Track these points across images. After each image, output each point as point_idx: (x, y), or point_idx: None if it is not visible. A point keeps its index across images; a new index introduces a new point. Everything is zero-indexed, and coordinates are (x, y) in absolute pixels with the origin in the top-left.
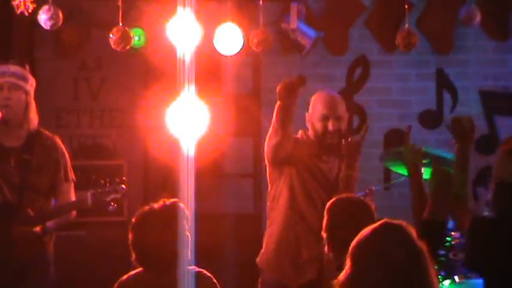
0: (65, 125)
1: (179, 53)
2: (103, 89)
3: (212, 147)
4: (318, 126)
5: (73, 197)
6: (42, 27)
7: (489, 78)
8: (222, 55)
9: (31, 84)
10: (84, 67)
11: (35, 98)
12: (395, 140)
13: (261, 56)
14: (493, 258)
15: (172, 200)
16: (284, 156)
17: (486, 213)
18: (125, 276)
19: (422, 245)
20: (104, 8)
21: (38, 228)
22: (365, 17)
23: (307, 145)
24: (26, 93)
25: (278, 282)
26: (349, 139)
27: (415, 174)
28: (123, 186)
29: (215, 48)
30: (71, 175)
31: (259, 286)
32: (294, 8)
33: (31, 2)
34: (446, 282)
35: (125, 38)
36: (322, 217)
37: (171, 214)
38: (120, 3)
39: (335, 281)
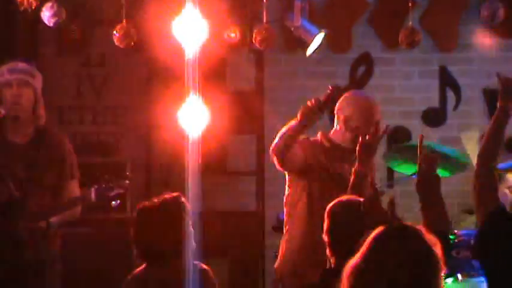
0: (68, 122)
1: (184, 50)
2: (106, 86)
3: (215, 145)
4: (347, 135)
5: (78, 194)
6: (45, 24)
7: (492, 76)
8: (225, 52)
9: (39, 81)
10: (87, 64)
11: None
12: (398, 138)
13: (265, 53)
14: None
15: (174, 194)
16: (297, 165)
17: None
18: (129, 276)
19: (436, 249)
20: (107, 5)
21: (42, 224)
22: (368, 15)
23: (326, 149)
24: (35, 89)
25: None
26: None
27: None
28: (127, 181)
29: (220, 44)
30: (77, 173)
31: None
32: (297, 5)
33: None
34: (449, 280)
35: (129, 35)
36: None
37: (172, 208)
38: (123, 0)
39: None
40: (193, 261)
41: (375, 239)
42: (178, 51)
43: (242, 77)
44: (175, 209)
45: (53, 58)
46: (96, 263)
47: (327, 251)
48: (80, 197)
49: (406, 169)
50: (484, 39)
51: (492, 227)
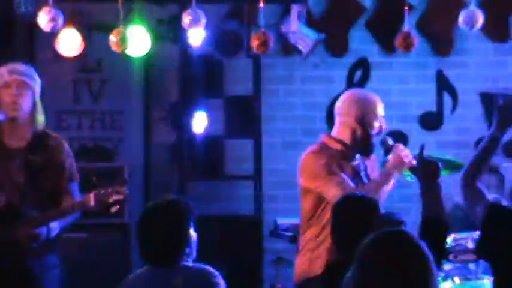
0: (66, 127)
1: (180, 55)
2: (104, 91)
3: (213, 149)
4: (359, 130)
5: (78, 197)
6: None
7: (489, 80)
8: (223, 57)
9: (38, 84)
10: (84, 69)
11: None
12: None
13: (262, 57)
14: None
15: (177, 197)
16: None
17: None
18: (130, 275)
19: (424, 249)
20: (104, 10)
21: (43, 230)
22: (365, 19)
23: (340, 152)
24: (34, 92)
25: None
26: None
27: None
28: (125, 188)
29: (216, 49)
30: (76, 176)
31: None
32: (294, 10)
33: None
34: (446, 284)
35: (126, 40)
36: None
37: (174, 210)
38: (120, 6)
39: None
40: (196, 264)
41: (362, 248)
42: (176, 56)
43: (239, 81)
44: (177, 211)
45: (50, 63)
46: (92, 268)
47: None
48: (78, 202)
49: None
50: (480, 44)
51: (493, 223)
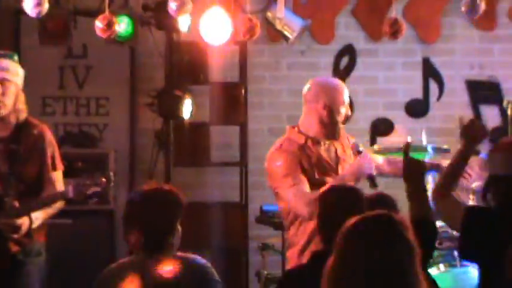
0: (51, 113)
1: (166, 41)
2: (89, 77)
3: (198, 135)
4: (326, 117)
5: (61, 186)
6: (28, 14)
7: (475, 67)
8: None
9: (20, 76)
10: (70, 55)
11: None
12: (381, 129)
13: (248, 44)
14: (491, 249)
15: (167, 185)
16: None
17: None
18: (113, 264)
19: (414, 240)
20: None
21: (24, 219)
22: (352, 6)
23: (303, 146)
24: (16, 86)
25: None
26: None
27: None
28: (104, 179)
29: (201, 35)
30: (59, 164)
31: None
32: None
33: None
34: (432, 270)
35: (111, 25)
36: None
37: (170, 200)
38: None
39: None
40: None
41: (344, 233)
42: (162, 42)
43: (225, 68)
44: (168, 198)
45: (35, 49)
46: (77, 254)
47: (317, 234)
48: (58, 193)
49: None
50: (466, 31)
51: (474, 224)
